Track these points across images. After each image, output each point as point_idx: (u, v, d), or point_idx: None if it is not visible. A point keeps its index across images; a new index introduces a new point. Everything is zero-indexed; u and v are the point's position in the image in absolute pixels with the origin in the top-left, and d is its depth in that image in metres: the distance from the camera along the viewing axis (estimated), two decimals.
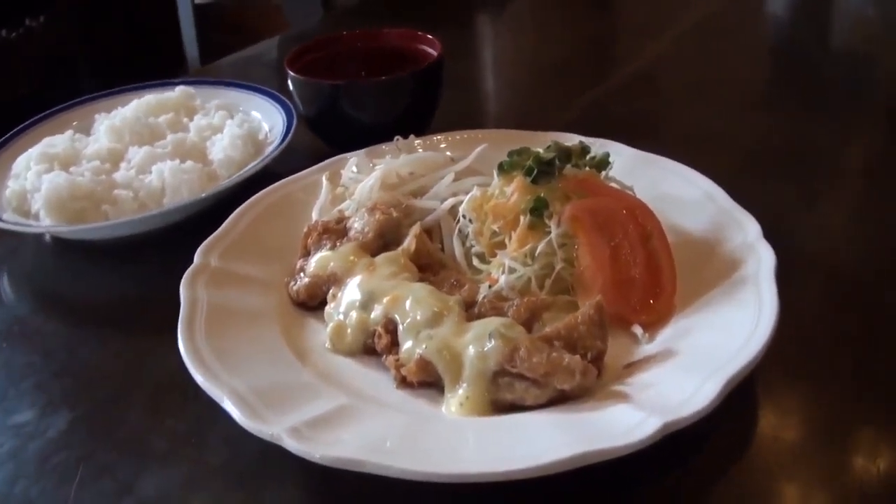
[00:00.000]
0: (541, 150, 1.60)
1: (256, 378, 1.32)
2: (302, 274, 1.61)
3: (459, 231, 1.67)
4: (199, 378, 1.30)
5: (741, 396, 1.23)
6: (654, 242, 1.50)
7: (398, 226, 1.66)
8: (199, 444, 1.35)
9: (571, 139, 1.77)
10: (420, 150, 1.96)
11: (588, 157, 1.63)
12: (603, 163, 1.62)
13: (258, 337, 1.45)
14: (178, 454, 1.34)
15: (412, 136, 2.00)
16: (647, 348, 1.39)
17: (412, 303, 1.41)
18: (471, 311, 1.43)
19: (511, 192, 1.57)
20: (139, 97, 2.38)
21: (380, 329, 1.42)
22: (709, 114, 2.39)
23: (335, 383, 1.37)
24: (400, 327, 1.40)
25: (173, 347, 1.38)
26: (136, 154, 2.06)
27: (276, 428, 1.19)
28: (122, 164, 2.07)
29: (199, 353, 1.36)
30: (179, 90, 2.41)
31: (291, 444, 1.17)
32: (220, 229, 1.69)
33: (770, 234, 1.49)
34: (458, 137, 2.02)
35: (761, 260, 1.43)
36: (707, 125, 2.32)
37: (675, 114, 2.42)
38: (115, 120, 2.22)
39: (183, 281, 1.53)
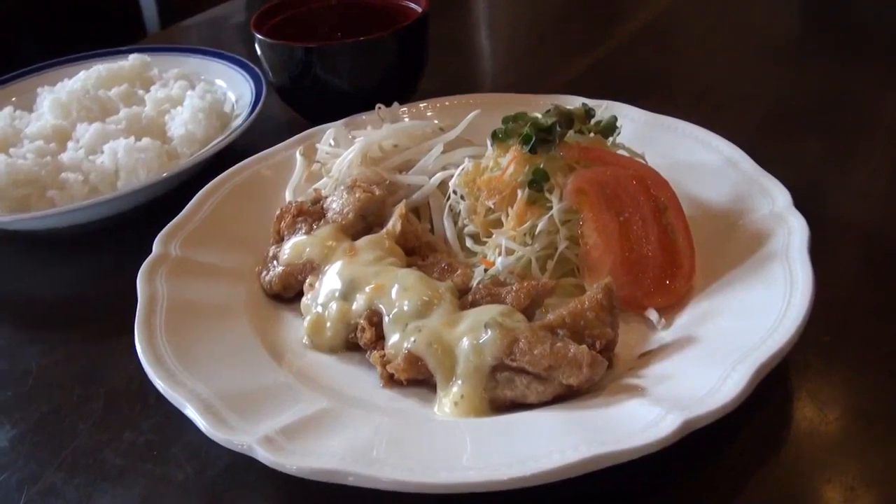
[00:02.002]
0: (539, 116, 1.58)
1: (224, 381, 1.31)
2: (275, 262, 1.60)
3: (450, 209, 1.66)
4: (158, 383, 1.29)
5: (772, 387, 1.21)
6: (670, 216, 1.49)
7: (381, 205, 1.65)
8: (160, 459, 1.33)
9: (574, 102, 1.75)
10: (405, 120, 1.95)
11: (593, 122, 1.61)
12: (610, 128, 1.61)
13: (226, 334, 1.44)
14: (137, 470, 1.32)
15: (396, 104, 1.98)
16: (664, 335, 1.38)
17: (399, 291, 1.40)
18: (464, 298, 1.42)
19: (507, 163, 1.56)
20: (87, 68, 2.37)
21: (363, 322, 1.41)
22: (728, 68, 2.37)
23: (314, 384, 1.36)
24: (385, 319, 1.39)
25: (130, 349, 1.36)
26: (86, 132, 2.04)
27: (246, 437, 1.18)
28: (70, 144, 2.05)
29: (159, 355, 1.34)
30: (133, 59, 2.39)
31: (264, 455, 1.15)
32: (181, 214, 1.68)
33: (801, 203, 1.48)
34: (446, 104, 2.01)
35: (792, 231, 1.42)
36: (726, 81, 2.30)
37: (690, 70, 2.40)
38: (60, 94, 2.20)
39: (140, 273, 1.51)
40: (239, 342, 1.43)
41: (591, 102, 1.71)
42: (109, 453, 1.35)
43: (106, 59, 2.45)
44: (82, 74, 2.34)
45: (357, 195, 1.64)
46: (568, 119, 1.57)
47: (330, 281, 1.49)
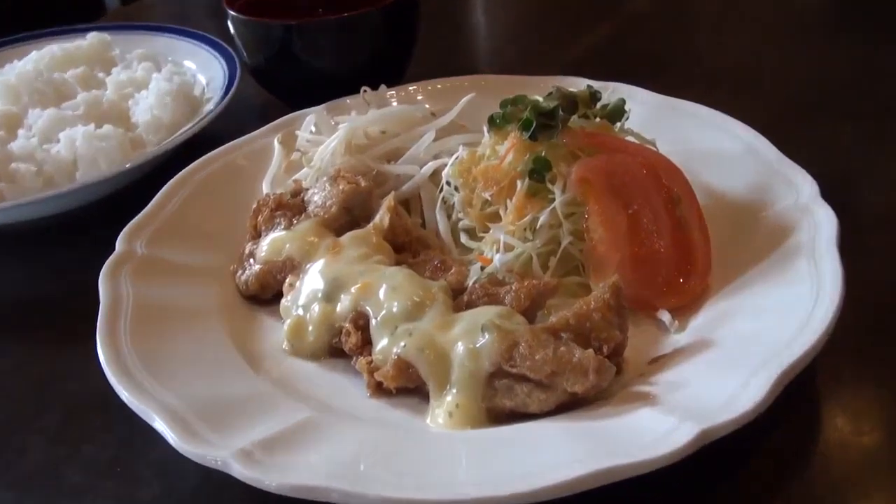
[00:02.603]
0: (540, 99, 1.58)
1: (196, 390, 1.31)
2: (251, 260, 1.60)
3: (443, 201, 1.67)
4: (123, 393, 1.29)
5: (797, 395, 1.21)
6: (683, 208, 1.49)
7: (368, 197, 1.66)
8: (126, 476, 1.33)
9: (578, 84, 1.75)
10: (393, 104, 1.95)
11: (599, 106, 1.62)
12: (617, 112, 1.62)
13: (198, 340, 1.44)
14: (98, 489, 1.32)
15: (383, 87, 1.99)
16: (677, 338, 1.39)
17: (387, 291, 1.41)
18: (459, 299, 1.43)
19: (505, 151, 1.57)
20: (39, 48, 2.37)
21: (348, 325, 1.41)
22: (748, 46, 2.37)
23: (294, 393, 1.36)
24: (373, 322, 1.39)
25: (91, 356, 1.36)
26: (39, 118, 2.04)
27: (221, 451, 1.18)
28: (21, 132, 2.05)
29: (124, 362, 1.34)
30: (92, 38, 2.39)
31: (241, 471, 1.16)
32: (147, 209, 1.68)
33: (828, 193, 1.48)
34: (438, 87, 2.02)
35: (818, 224, 1.42)
36: (746, 60, 2.31)
37: (706, 47, 2.40)
38: (8, 76, 2.20)
39: (102, 274, 1.51)
40: (212, 348, 1.43)
41: (596, 84, 1.72)
42: (67, 470, 1.35)
43: (60, 38, 2.45)
44: (34, 55, 2.34)
45: (341, 187, 1.64)
46: (571, 102, 1.58)
47: (312, 280, 1.50)
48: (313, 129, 1.89)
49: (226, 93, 2.10)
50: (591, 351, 1.26)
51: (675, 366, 1.30)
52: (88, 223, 1.88)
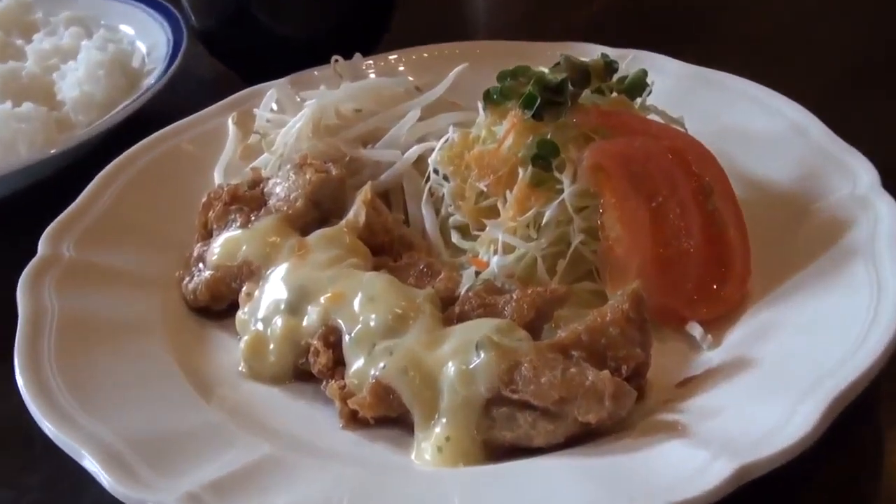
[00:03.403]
0: (546, 70, 1.58)
1: (135, 422, 1.30)
2: (201, 265, 1.60)
3: (430, 193, 1.67)
4: (47, 425, 1.28)
5: (854, 425, 1.21)
6: (717, 200, 1.49)
7: (340, 189, 1.66)
8: None
9: (590, 52, 1.75)
10: (370, 76, 1.95)
11: (615, 78, 1.62)
12: (638, 85, 1.61)
13: (137, 361, 1.44)
14: None
15: (357, 56, 1.99)
16: (711, 357, 1.38)
17: (363, 301, 1.41)
18: (449, 310, 1.43)
19: (504, 133, 1.56)
20: None
21: (316, 342, 1.41)
22: (795, 5, 2.39)
23: (253, 425, 1.36)
24: (346, 338, 1.39)
25: (8, 380, 1.36)
26: None
27: (164, 495, 1.17)
28: None
29: (48, 388, 1.34)
30: None
31: None
32: (76, 203, 1.68)
33: (891, 182, 1.48)
34: (424, 55, 2.02)
35: (878, 219, 1.43)
36: (793, 23, 2.32)
37: (745, 9, 2.41)
38: None
39: (21, 282, 1.51)
40: (154, 370, 1.43)
41: (612, 52, 1.72)
42: None
43: None
44: None
45: (308, 176, 1.64)
46: (583, 74, 1.57)
47: (273, 289, 1.49)
48: (274, 106, 1.89)
49: (170, 64, 2.10)
50: (607, 372, 1.25)
51: (708, 390, 1.30)
52: (4, 220, 1.87)
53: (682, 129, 1.60)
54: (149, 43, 2.26)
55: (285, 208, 1.62)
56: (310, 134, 1.76)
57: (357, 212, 1.59)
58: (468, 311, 1.41)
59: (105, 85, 2.06)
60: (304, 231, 1.59)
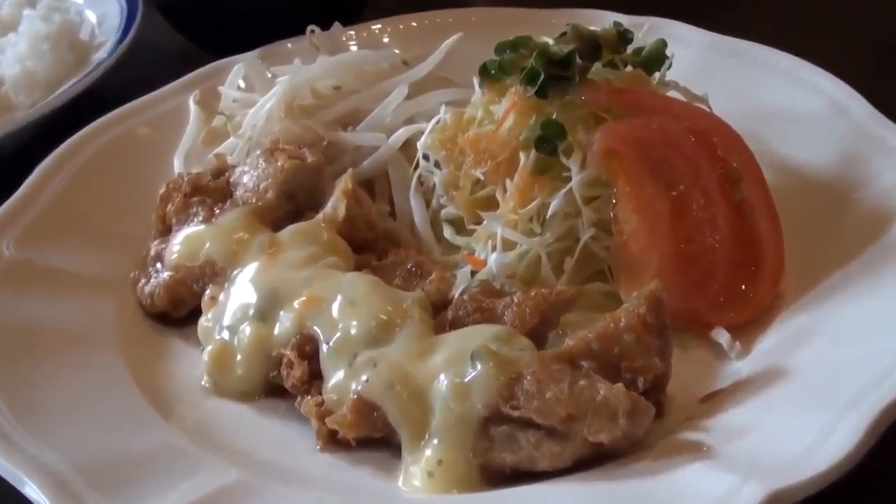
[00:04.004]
0: (551, 41, 1.57)
1: (84, 444, 1.30)
2: (158, 265, 1.60)
3: (420, 182, 1.67)
4: None
5: None
6: (746, 189, 1.49)
7: (316, 178, 1.66)
8: None
9: (601, 19, 1.75)
10: (351, 49, 1.95)
11: (630, 50, 1.61)
12: (656, 57, 1.61)
13: (86, 374, 1.43)
14: None
15: (336, 26, 1.99)
16: (739, 367, 1.38)
17: (343, 306, 1.40)
18: (441, 316, 1.42)
19: (503, 113, 1.56)
20: None
21: (290, 353, 1.40)
22: None
23: (218, 447, 1.35)
24: (323, 348, 1.39)
25: None
26: None
27: None
28: None
29: None
30: None
31: None
32: (16, 195, 1.68)
33: None
34: (413, 24, 2.02)
35: None
36: None
37: None
38: None
39: None
40: (106, 386, 1.43)
41: (626, 20, 1.71)
42: None
43: None
44: None
45: (280, 163, 1.64)
46: (593, 46, 1.56)
47: (241, 292, 1.49)
48: (242, 84, 1.89)
49: (123, 35, 2.09)
50: (621, 386, 1.24)
51: (736, 405, 1.30)
52: None
53: (707, 108, 1.59)
54: (99, 12, 2.25)
55: (254, 200, 1.61)
56: (282, 115, 1.75)
57: (336, 204, 1.58)
58: (463, 317, 1.41)
59: (50, 60, 2.06)
60: (276, 226, 1.59)
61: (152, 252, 1.63)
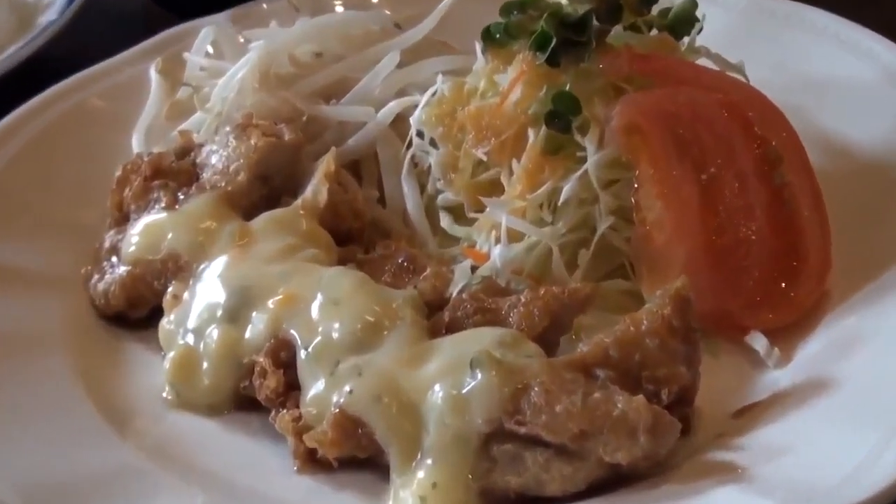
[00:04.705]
0: (563, 1, 1.57)
1: (29, 464, 1.31)
2: (114, 259, 1.61)
3: (413, 164, 1.67)
4: None
5: None
6: (787, 172, 1.49)
7: (294, 158, 1.66)
8: None
9: None
10: (336, 9, 1.96)
11: (656, 11, 1.61)
12: (685, 20, 1.61)
13: (31, 384, 1.44)
14: None
15: None
16: (777, 377, 1.38)
17: (324, 306, 1.41)
18: (437, 317, 1.43)
19: (510, 84, 1.56)
20: None
21: (263, 360, 1.41)
22: None
23: (182, 468, 1.36)
24: (301, 354, 1.39)
25: None
26: None
27: None
28: None
29: None
30: None
31: None
32: None
33: None
34: None
35: None
36: None
37: None
38: None
39: None
40: (52, 398, 1.43)
41: None
42: None
43: None
44: None
45: (253, 141, 1.64)
46: (612, 6, 1.56)
47: (207, 290, 1.50)
48: (210, 50, 1.89)
49: None
50: (642, 398, 1.25)
51: (774, 420, 1.30)
52: None
53: (742, 79, 1.59)
54: None
55: (223, 184, 1.62)
56: (256, 86, 1.75)
57: (317, 188, 1.59)
58: (462, 319, 1.41)
59: None
60: (249, 214, 1.59)
61: (107, 244, 1.63)
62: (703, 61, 1.61)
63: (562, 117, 1.50)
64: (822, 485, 1.14)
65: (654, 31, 1.60)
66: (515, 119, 1.54)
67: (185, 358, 1.47)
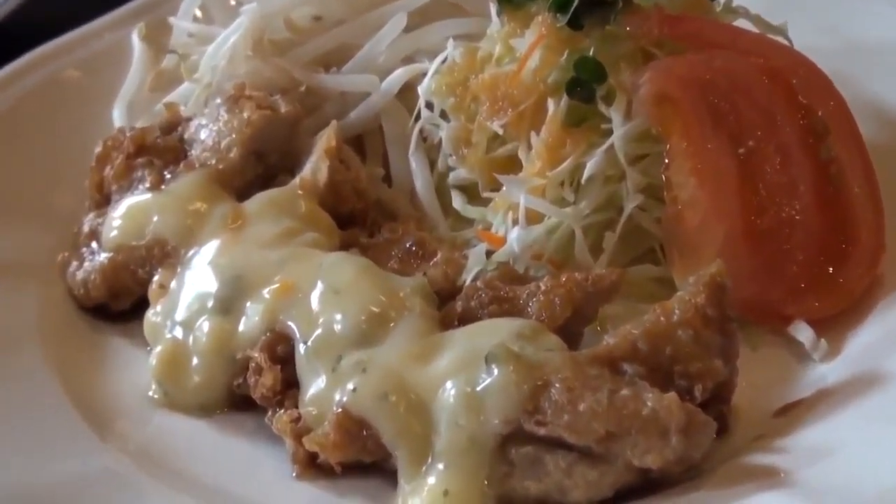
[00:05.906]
0: None
1: (3, 469, 1.31)
2: (94, 245, 1.61)
3: (422, 139, 1.68)
4: None
5: None
6: (835, 145, 1.49)
7: (291, 132, 1.67)
8: None
9: None
10: None
11: None
12: None
13: (5, 383, 1.44)
14: None
15: None
16: (823, 372, 1.39)
17: (325, 295, 1.41)
18: (449, 306, 1.43)
19: (528, 49, 1.56)
20: None
21: (258, 355, 1.41)
22: None
23: (169, 473, 1.36)
24: (300, 349, 1.39)
25: None
26: None
27: None
28: None
29: None
30: None
31: None
32: None
33: None
34: None
35: None
36: None
37: None
38: None
39: None
40: (28, 397, 1.44)
41: None
42: None
43: None
44: None
45: (246, 115, 1.64)
46: None
47: (197, 279, 1.50)
48: (199, 14, 1.90)
49: None
50: (673, 395, 1.24)
51: (819, 420, 1.29)
52: None
53: (785, 42, 1.59)
54: None
55: (214, 161, 1.62)
56: (249, 53, 1.75)
57: (316, 166, 1.59)
58: (476, 309, 1.41)
59: None
60: (242, 194, 1.60)
61: (86, 228, 1.64)
62: (741, 23, 1.60)
63: (585, 86, 1.50)
64: (871, 491, 1.14)
65: None
66: (534, 88, 1.54)
67: (172, 353, 1.47)
